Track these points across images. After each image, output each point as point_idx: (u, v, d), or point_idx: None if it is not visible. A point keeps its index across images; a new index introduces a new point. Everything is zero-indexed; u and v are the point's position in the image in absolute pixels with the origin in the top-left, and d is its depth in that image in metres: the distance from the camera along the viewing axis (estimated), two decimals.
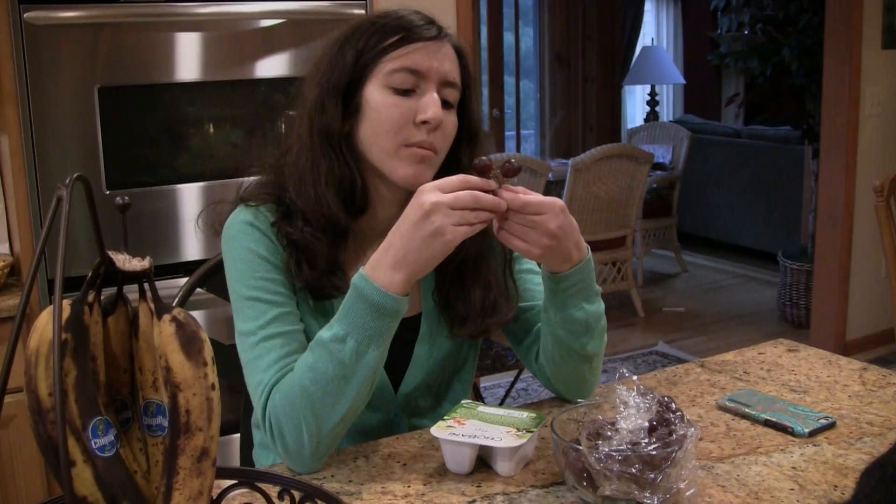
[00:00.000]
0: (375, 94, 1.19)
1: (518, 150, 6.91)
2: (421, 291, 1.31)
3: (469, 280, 1.28)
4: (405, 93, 1.19)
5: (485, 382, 3.72)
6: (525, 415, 1.15)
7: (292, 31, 2.35)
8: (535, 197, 1.10)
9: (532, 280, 1.36)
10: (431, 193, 1.06)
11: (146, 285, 0.76)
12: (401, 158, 1.19)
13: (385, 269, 1.08)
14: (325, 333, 1.11)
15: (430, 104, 1.18)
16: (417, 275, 1.10)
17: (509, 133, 6.92)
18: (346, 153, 1.21)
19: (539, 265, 1.22)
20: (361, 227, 1.25)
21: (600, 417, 1.06)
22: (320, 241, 1.21)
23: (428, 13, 1.24)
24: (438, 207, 1.05)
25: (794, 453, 1.14)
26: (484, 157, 1.11)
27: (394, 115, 1.18)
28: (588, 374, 1.28)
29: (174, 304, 0.87)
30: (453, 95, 1.23)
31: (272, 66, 2.34)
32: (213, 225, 1.32)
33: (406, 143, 1.19)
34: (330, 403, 1.10)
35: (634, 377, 1.10)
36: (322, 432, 1.10)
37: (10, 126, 2.07)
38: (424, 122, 1.18)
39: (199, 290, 1.51)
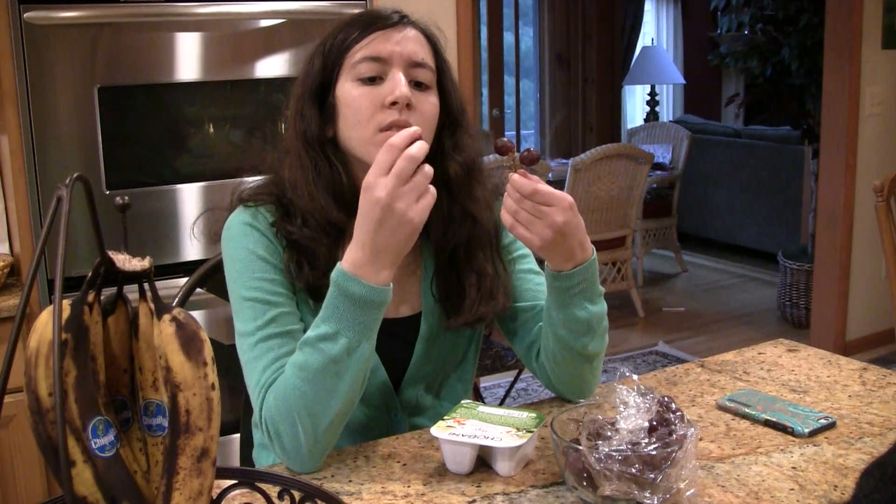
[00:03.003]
0: (345, 90, 1.21)
1: (518, 150, 6.90)
2: (421, 290, 1.31)
3: (463, 267, 1.28)
4: (372, 81, 1.19)
5: (485, 382, 3.72)
6: (525, 415, 1.15)
7: (292, 31, 2.35)
8: (547, 188, 1.11)
9: (533, 280, 1.36)
10: (378, 187, 1.05)
11: (146, 285, 0.76)
12: (377, 144, 1.17)
13: (366, 265, 1.08)
14: (312, 333, 1.10)
15: (396, 84, 1.18)
16: (398, 261, 1.10)
17: (509, 133, 6.91)
18: (331, 155, 1.22)
19: (543, 264, 1.22)
20: None
21: (600, 417, 1.06)
22: (320, 242, 1.21)
23: (395, 7, 1.25)
24: (393, 196, 1.04)
25: (794, 453, 1.14)
26: (505, 139, 1.12)
27: (364, 103, 1.19)
28: (589, 374, 1.28)
29: (174, 304, 0.87)
30: (425, 76, 1.22)
31: (272, 66, 2.34)
32: (210, 233, 1.32)
33: (380, 127, 1.18)
34: (324, 401, 1.09)
35: (635, 377, 1.10)
36: (318, 431, 1.10)
37: (10, 126, 2.07)
38: (394, 103, 1.18)
39: (199, 290, 1.51)
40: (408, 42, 1.21)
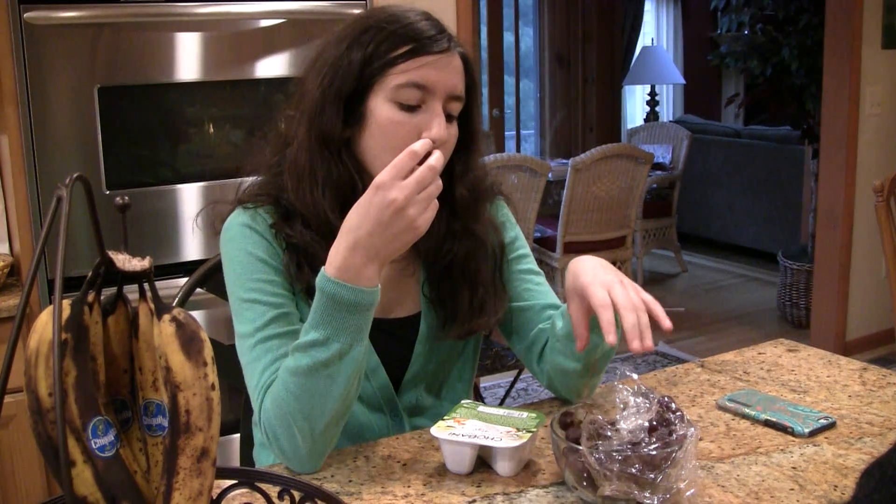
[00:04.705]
0: (381, 108, 1.17)
1: (518, 150, 6.91)
2: (419, 291, 1.31)
3: (458, 280, 1.28)
4: (411, 109, 1.17)
5: (485, 382, 3.72)
6: (525, 415, 1.15)
7: (292, 31, 2.35)
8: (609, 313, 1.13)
9: (532, 280, 1.36)
10: (395, 188, 1.04)
11: (146, 285, 0.76)
12: None
13: (355, 267, 1.06)
14: (303, 339, 1.09)
15: (435, 123, 1.16)
16: (387, 262, 1.10)
17: (509, 133, 6.92)
18: (344, 157, 1.20)
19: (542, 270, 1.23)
20: None
21: (600, 417, 1.06)
22: (320, 244, 1.19)
23: (434, 15, 1.22)
24: (409, 201, 1.04)
25: (794, 453, 1.14)
26: (570, 410, 1.11)
27: (400, 132, 1.16)
28: (594, 381, 1.30)
29: (174, 304, 0.87)
30: (457, 109, 1.21)
31: (272, 66, 2.34)
32: (213, 224, 1.32)
33: None
34: (318, 404, 1.09)
35: (635, 377, 1.10)
36: (315, 433, 1.10)
37: (10, 126, 2.07)
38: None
39: (199, 290, 1.51)
40: (453, 74, 1.18)
